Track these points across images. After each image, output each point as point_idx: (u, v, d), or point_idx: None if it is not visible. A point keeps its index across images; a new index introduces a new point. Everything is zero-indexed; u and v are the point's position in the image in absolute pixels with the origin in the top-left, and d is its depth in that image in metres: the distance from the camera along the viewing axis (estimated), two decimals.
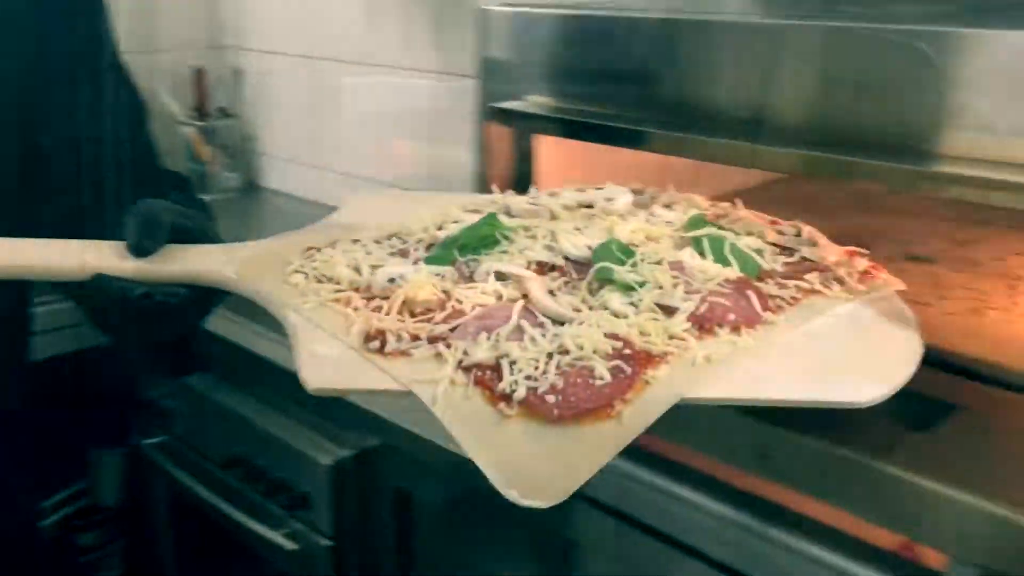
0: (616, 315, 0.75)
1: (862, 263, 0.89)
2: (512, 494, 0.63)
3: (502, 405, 0.67)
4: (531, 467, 0.65)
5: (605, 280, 0.81)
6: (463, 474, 0.85)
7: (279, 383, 1.03)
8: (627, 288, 0.79)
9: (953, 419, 0.86)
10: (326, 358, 0.71)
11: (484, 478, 0.73)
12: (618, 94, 1.13)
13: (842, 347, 0.76)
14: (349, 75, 1.59)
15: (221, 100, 1.79)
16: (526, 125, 1.21)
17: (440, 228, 0.93)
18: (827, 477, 0.84)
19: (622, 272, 0.80)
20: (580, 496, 0.79)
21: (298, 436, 1.04)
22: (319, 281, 0.82)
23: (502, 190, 1.10)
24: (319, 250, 0.88)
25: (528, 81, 1.20)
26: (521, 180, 1.23)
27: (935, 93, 0.87)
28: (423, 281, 0.77)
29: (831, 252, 0.90)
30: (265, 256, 0.87)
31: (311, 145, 1.74)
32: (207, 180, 1.78)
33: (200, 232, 0.88)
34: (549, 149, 1.25)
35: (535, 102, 1.20)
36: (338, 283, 0.81)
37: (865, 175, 0.92)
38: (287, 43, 1.70)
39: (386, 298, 0.78)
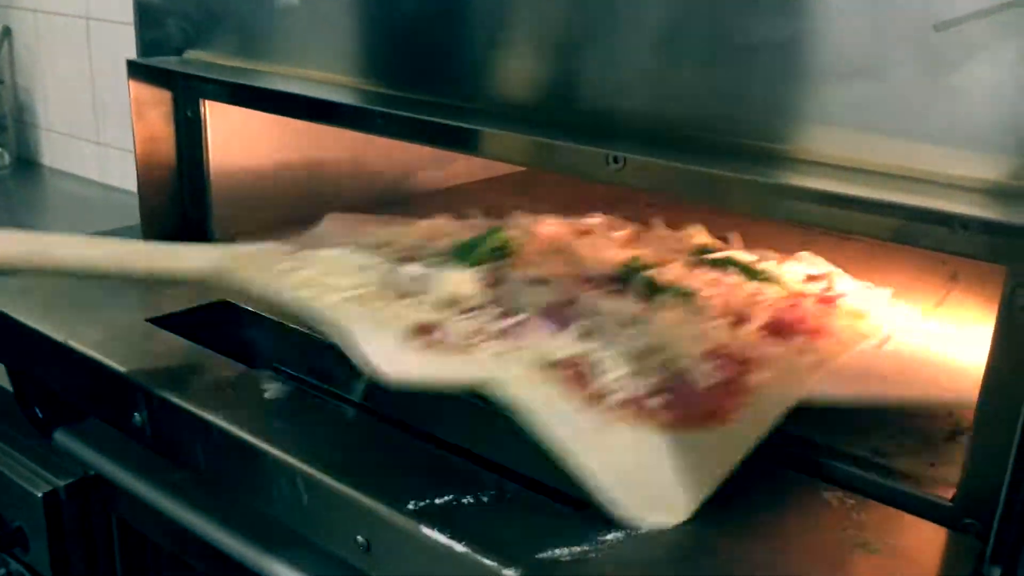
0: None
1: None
2: (631, 511, 0.50)
3: (602, 407, 0.55)
4: (644, 478, 0.53)
5: (652, 289, 0.71)
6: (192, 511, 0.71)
7: None
8: (684, 295, 0.70)
9: None
10: (394, 351, 0.57)
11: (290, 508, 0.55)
12: (297, 54, 0.84)
13: (915, 359, 0.70)
14: (125, 39, 1.41)
15: None
16: (181, 86, 0.91)
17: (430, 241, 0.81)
18: None
19: (675, 280, 0.72)
20: None
21: (12, 464, 0.84)
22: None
23: (157, 160, 0.89)
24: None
25: (190, 34, 0.92)
26: (186, 153, 0.93)
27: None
28: (464, 276, 0.65)
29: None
30: (250, 255, 0.72)
31: (91, 118, 1.49)
32: None
33: None
34: (236, 119, 0.92)
35: (197, 59, 0.92)
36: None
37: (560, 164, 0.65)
38: (62, 1, 1.48)
39: (416, 295, 0.64)
